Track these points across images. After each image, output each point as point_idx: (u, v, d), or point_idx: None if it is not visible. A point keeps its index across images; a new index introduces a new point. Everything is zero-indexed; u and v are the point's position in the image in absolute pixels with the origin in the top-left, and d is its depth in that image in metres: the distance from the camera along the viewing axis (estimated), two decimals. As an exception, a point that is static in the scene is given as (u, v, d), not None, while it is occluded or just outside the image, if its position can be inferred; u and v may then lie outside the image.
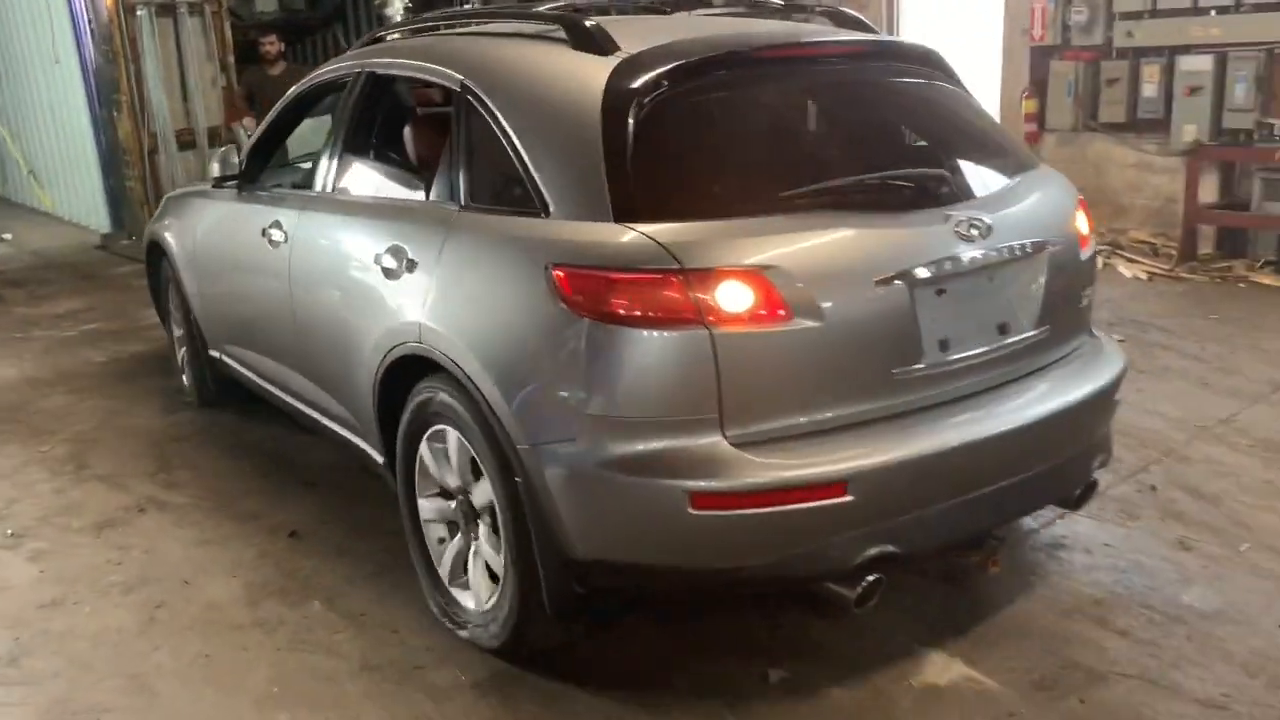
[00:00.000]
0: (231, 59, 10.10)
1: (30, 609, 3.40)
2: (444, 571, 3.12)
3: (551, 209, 2.69)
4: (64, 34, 10.02)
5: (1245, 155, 7.09)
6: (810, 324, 2.49)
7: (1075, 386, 2.93)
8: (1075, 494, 3.07)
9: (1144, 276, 6.99)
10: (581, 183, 2.67)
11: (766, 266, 2.47)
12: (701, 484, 2.44)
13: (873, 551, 2.55)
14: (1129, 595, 3.18)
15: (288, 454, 4.55)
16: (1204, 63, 7.18)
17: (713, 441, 2.46)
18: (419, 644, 3.09)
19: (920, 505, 2.61)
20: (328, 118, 4.09)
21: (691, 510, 2.43)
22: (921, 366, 2.65)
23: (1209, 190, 7.37)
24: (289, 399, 4.09)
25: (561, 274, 2.54)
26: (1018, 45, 8.22)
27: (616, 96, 2.71)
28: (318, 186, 3.76)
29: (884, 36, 3.68)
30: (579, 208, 2.65)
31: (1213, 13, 7.15)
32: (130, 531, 3.92)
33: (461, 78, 3.12)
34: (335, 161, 3.72)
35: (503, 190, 2.92)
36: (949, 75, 3.30)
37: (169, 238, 5.00)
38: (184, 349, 5.14)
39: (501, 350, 2.69)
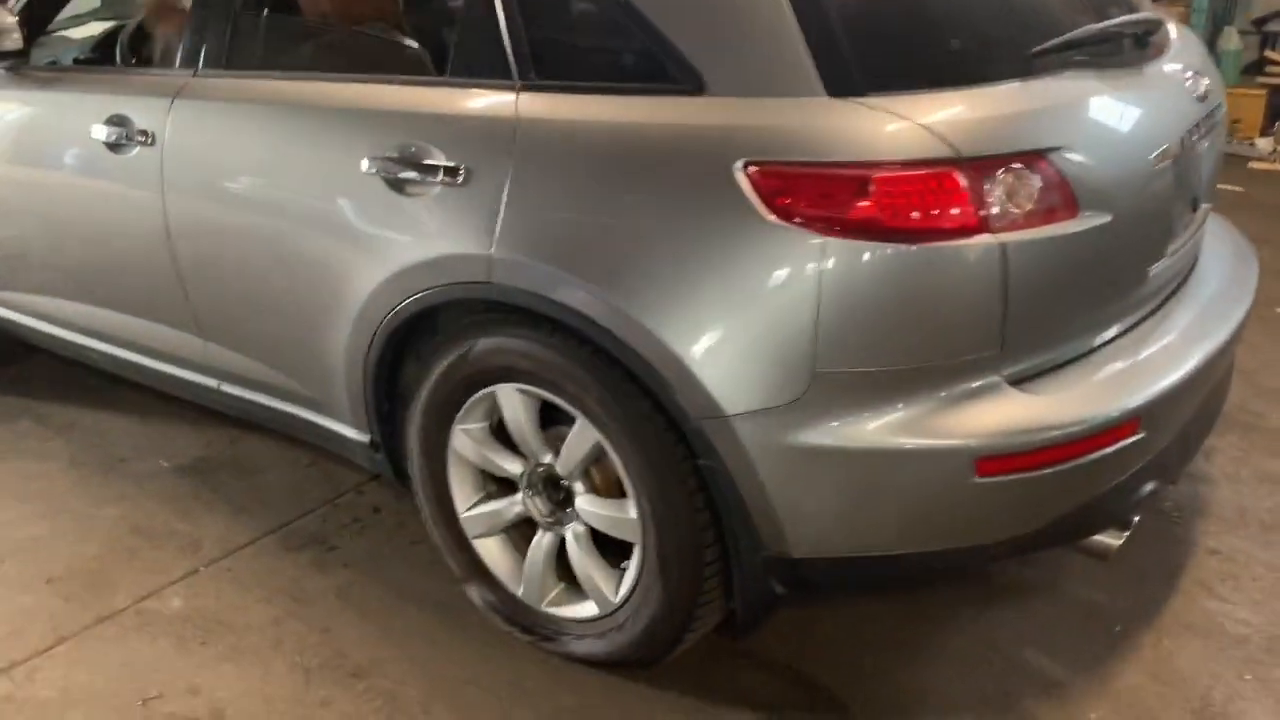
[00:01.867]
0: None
1: None
2: (525, 590, 2.37)
3: (707, 82, 1.90)
4: None
5: None
6: (1099, 219, 1.91)
7: (1244, 265, 2.58)
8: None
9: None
10: (756, 42, 1.89)
11: (1052, 148, 1.86)
12: (989, 443, 1.85)
13: (1148, 488, 2.11)
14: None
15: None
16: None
17: (993, 385, 1.88)
18: (125, 443, 3.38)
19: (1177, 427, 2.16)
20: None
21: (976, 479, 1.86)
22: (1166, 259, 2.18)
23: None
24: (145, 361, 3.07)
25: (766, 174, 1.80)
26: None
27: None
28: (190, 64, 2.69)
29: None
30: (759, 79, 1.88)
31: None
32: None
33: None
34: (222, 27, 2.66)
35: (601, 56, 2.11)
36: None
37: None
38: None
39: (661, 288, 1.90)
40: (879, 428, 1.85)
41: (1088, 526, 2.11)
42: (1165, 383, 2.04)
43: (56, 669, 2.41)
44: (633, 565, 2.16)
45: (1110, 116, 2.06)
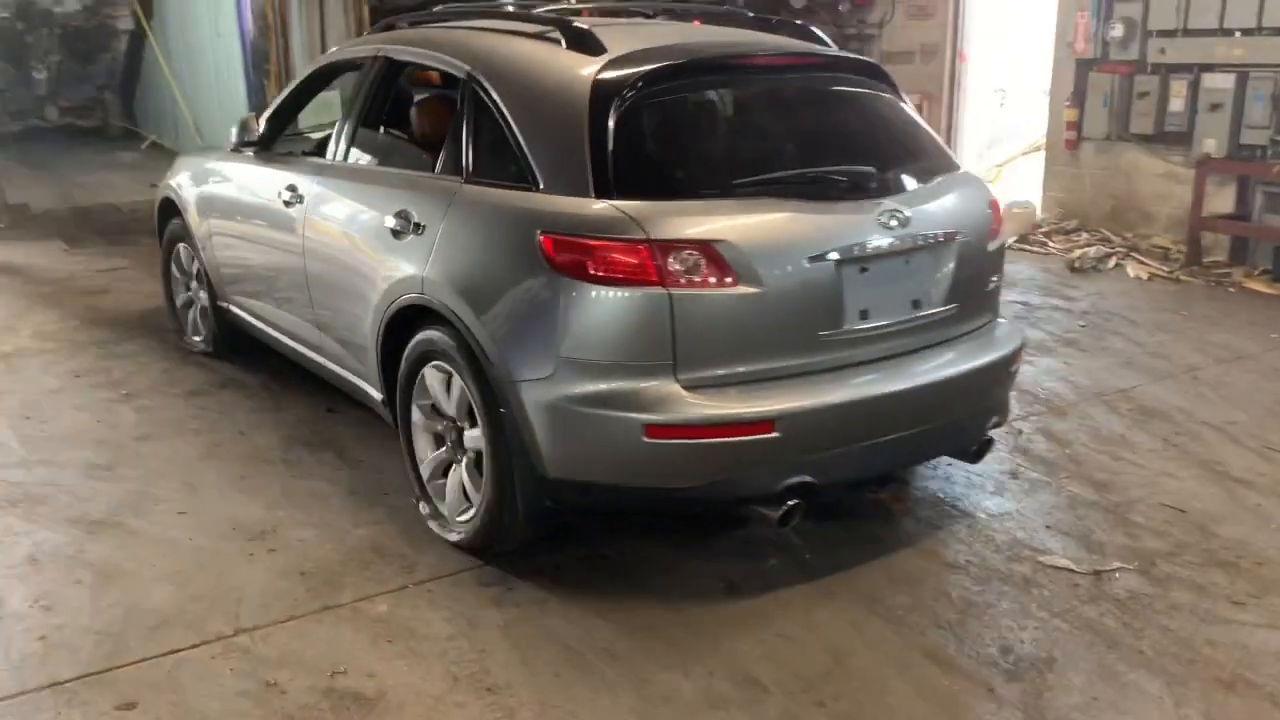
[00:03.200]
0: (369, 39, 11.41)
1: (128, 439, 4.61)
2: (425, 472, 3.69)
3: (542, 185, 3.26)
4: (228, 10, 11.56)
5: (1248, 169, 7.55)
6: (752, 290, 3.03)
7: (973, 357, 3.49)
8: (973, 449, 3.68)
9: (1144, 277, 7.53)
10: (568, 164, 3.22)
11: (718, 240, 3.02)
12: (654, 417, 2.98)
13: (793, 480, 3.09)
14: (943, 497, 3.99)
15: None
16: (1226, 81, 7.65)
17: (666, 383, 3.01)
18: (394, 482, 4.13)
19: (835, 445, 3.17)
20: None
21: (645, 439, 2.99)
22: (843, 330, 3.21)
23: (1225, 201, 7.82)
24: (296, 345, 4.66)
25: (547, 239, 3.10)
26: (1064, 57, 8.77)
27: (601, 93, 3.25)
28: (332, 155, 4.30)
29: (835, 51, 4.03)
30: (565, 184, 3.20)
31: (1237, 34, 7.60)
32: (211, 399, 5.10)
33: (469, 68, 3.66)
34: (349, 133, 4.25)
35: (501, 167, 3.45)
36: (891, 87, 3.85)
37: (185, 196, 5.44)
38: (193, 302, 5.68)
39: (492, 301, 3.22)
40: (592, 397, 3.05)
41: (742, 496, 3.16)
42: (808, 405, 3.09)
43: (282, 636, 3.10)
44: (483, 477, 3.39)
45: (776, 228, 3.17)
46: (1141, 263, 7.78)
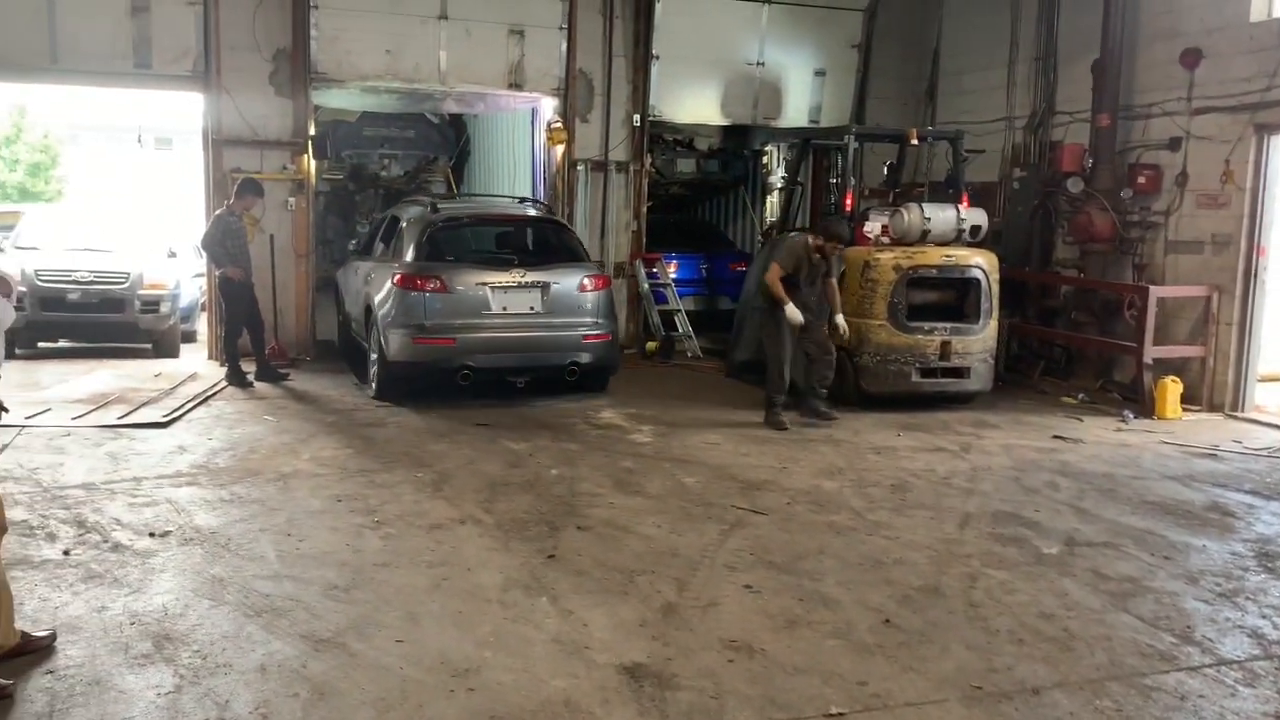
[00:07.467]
0: (645, 209, 12.14)
1: (368, 564, 4.94)
2: (367, 376, 9.24)
3: (406, 258, 8.75)
4: (524, 182, 12.73)
5: None
6: (453, 294, 8.50)
7: (554, 331, 8.76)
8: (566, 374, 8.81)
9: None
10: (413, 249, 8.75)
11: (443, 275, 8.53)
12: (416, 335, 8.43)
13: (465, 363, 8.48)
14: (1186, 732, 3.56)
15: (577, 505, 5.89)
16: None
17: (420, 323, 8.43)
18: (600, 638, 4.18)
19: (481, 353, 8.54)
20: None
21: (414, 343, 8.45)
22: (492, 313, 8.59)
23: None
24: (355, 333, 9.99)
25: (398, 276, 8.59)
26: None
27: (428, 224, 8.98)
28: (371, 255, 9.89)
29: (534, 213, 10.14)
30: (411, 256, 8.72)
31: None
32: (449, 534, 5.40)
33: (401, 215, 9.65)
34: (376, 244, 9.91)
35: (399, 252, 8.96)
36: (564, 228, 9.89)
37: (338, 278, 11.34)
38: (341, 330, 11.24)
39: (383, 300, 8.68)
40: (400, 327, 8.56)
41: (448, 368, 8.54)
42: (468, 336, 8.53)
43: (462, 777, 3.16)
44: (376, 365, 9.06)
45: (465, 272, 8.72)
46: None
